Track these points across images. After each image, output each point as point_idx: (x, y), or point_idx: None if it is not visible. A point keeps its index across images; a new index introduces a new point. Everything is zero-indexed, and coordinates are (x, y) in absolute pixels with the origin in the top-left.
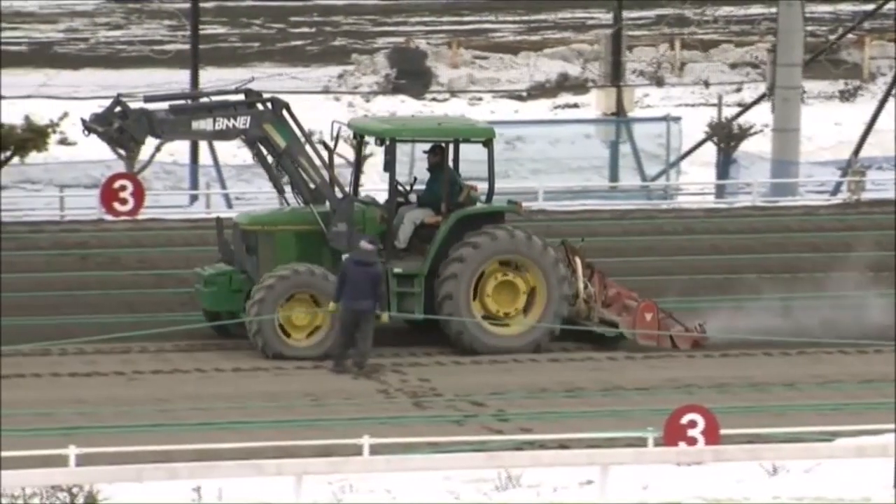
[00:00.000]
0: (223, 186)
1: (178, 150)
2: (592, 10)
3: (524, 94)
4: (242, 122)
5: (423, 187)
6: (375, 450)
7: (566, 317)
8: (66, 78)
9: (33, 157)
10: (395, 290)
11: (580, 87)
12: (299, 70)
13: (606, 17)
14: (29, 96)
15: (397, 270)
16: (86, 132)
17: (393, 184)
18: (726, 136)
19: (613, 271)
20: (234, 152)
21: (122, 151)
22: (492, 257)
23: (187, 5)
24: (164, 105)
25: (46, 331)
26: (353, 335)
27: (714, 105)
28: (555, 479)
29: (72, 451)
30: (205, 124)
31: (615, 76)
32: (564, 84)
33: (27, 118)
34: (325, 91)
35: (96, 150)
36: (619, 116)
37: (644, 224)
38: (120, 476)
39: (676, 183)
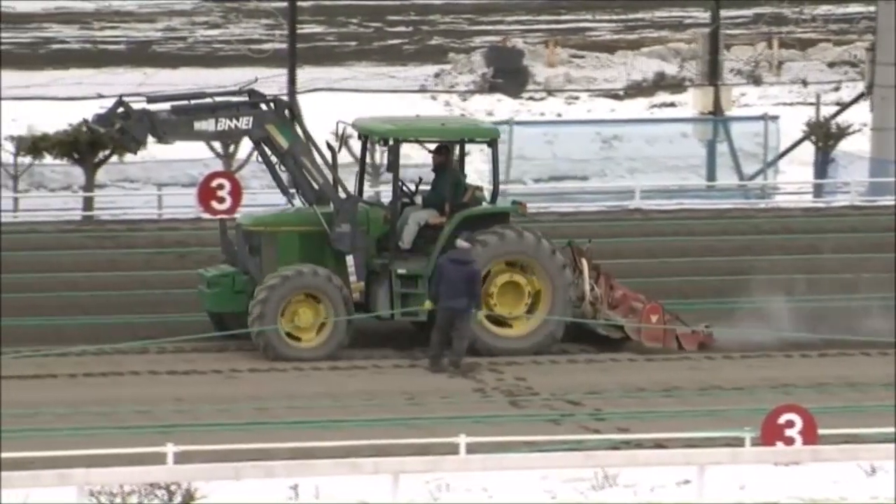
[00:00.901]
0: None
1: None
2: (690, 8)
3: (621, 93)
4: (245, 122)
5: (428, 188)
6: (472, 449)
7: (570, 320)
8: (164, 77)
9: (131, 155)
10: (398, 291)
11: (677, 86)
12: (396, 69)
13: (704, 15)
14: (127, 95)
15: (401, 271)
16: (88, 133)
17: (396, 184)
18: (824, 135)
19: (711, 270)
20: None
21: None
22: (499, 257)
23: (285, 4)
24: (167, 106)
25: (145, 328)
26: (448, 334)
27: (812, 104)
28: (651, 479)
29: (170, 449)
30: (207, 125)
31: (712, 75)
32: (661, 83)
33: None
34: (422, 90)
35: (194, 149)
36: (716, 115)
37: (741, 224)
38: (217, 474)
39: (774, 182)
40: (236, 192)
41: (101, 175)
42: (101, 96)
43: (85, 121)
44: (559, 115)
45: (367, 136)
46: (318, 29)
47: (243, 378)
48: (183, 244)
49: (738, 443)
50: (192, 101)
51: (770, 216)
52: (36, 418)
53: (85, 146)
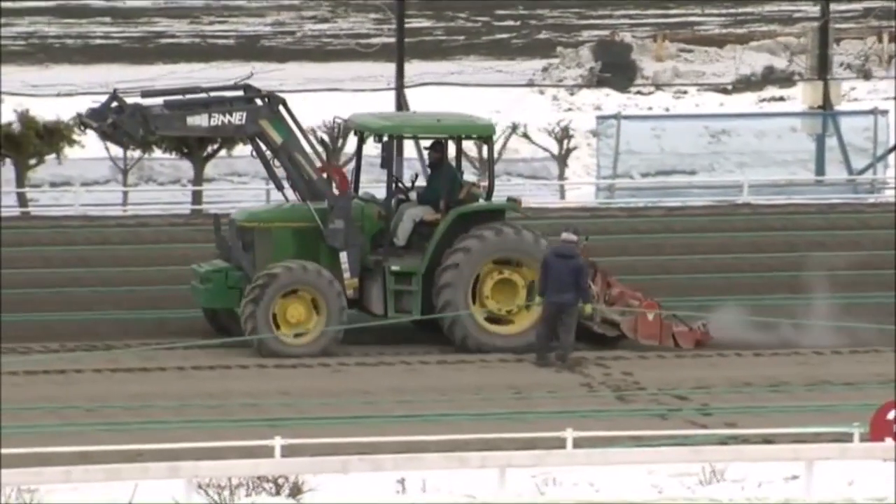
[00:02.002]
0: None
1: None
2: (799, 2)
3: (729, 87)
4: (238, 117)
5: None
6: (578, 443)
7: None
8: (272, 71)
9: (240, 149)
10: (393, 289)
11: (786, 80)
12: (504, 63)
13: (813, 9)
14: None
15: (395, 268)
16: (81, 128)
17: (391, 181)
18: None
19: (820, 265)
20: None
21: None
22: (495, 254)
23: None
24: (161, 100)
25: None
26: (555, 328)
27: None
28: (759, 474)
29: (277, 443)
30: (200, 120)
31: (822, 69)
32: (770, 77)
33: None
34: (530, 84)
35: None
36: (825, 110)
37: (850, 219)
38: (325, 467)
39: (884, 177)
40: (344, 186)
41: (209, 169)
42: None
43: (78, 115)
44: (667, 109)
45: (363, 132)
46: (426, 23)
47: (350, 372)
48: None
49: (847, 438)
50: (186, 96)
51: (879, 211)
52: (145, 411)
53: (194, 140)
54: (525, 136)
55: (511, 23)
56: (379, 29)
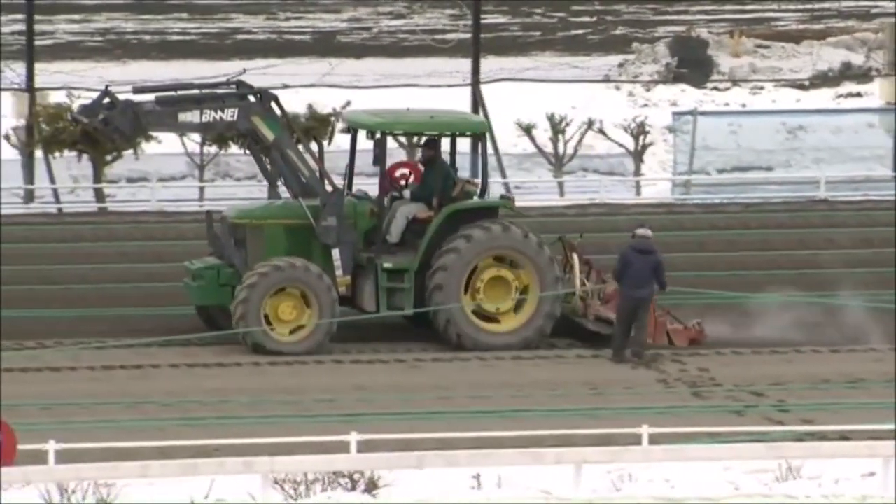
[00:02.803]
0: (503, 175)
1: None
2: None
3: (806, 83)
4: (230, 114)
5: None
6: (654, 439)
7: (561, 314)
8: (348, 67)
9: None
10: (385, 286)
11: (863, 76)
12: (580, 59)
13: (891, 5)
14: (312, 85)
15: (387, 265)
16: (73, 124)
17: (383, 178)
18: None
19: (893, 261)
20: (515, 141)
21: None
22: (486, 251)
23: None
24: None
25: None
26: (630, 325)
27: None
28: (836, 471)
29: (353, 438)
30: (191, 116)
31: None
32: (847, 73)
33: (310, 107)
34: (606, 80)
35: None
36: None
37: None
38: (400, 463)
39: None
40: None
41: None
42: (286, 86)
43: (71, 111)
44: (743, 105)
45: (356, 128)
46: (502, 19)
47: (426, 367)
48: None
49: None
50: (178, 93)
51: None
52: (222, 406)
53: None
54: (601, 132)
55: (587, 18)
56: (455, 25)
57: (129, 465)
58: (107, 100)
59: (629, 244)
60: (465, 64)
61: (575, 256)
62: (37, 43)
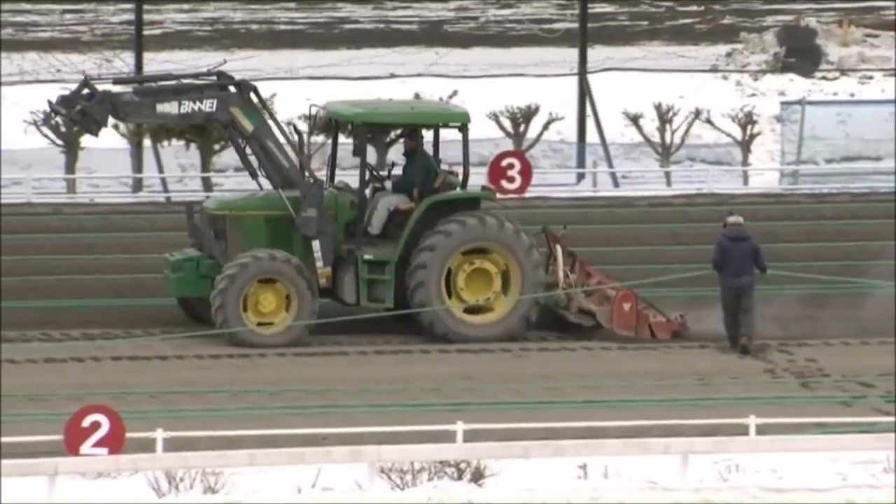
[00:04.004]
0: (610, 165)
1: (565, 128)
2: None
3: None
4: (209, 105)
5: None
6: (761, 430)
7: (544, 304)
8: (455, 57)
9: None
10: (365, 278)
11: None
12: (687, 48)
13: None
14: (419, 75)
15: (368, 257)
16: (52, 115)
17: (363, 169)
18: None
19: None
20: (622, 130)
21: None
22: (462, 245)
23: None
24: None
25: None
26: (737, 313)
27: None
28: None
29: (459, 427)
30: (170, 107)
31: None
32: None
33: (417, 96)
34: (714, 70)
35: (485, 129)
36: None
37: None
38: (506, 453)
39: None
40: (526, 172)
41: (392, 154)
42: (393, 76)
43: (49, 102)
44: (852, 94)
45: (337, 120)
46: (609, 8)
47: (532, 357)
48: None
49: None
50: (157, 83)
51: None
52: (328, 395)
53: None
54: (708, 121)
55: (695, 8)
56: (562, 14)
57: (236, 453)
58: (86, 90)
59: (722, 233)
60: (572, 53)
61: (558, 248)
62: (145, 32)
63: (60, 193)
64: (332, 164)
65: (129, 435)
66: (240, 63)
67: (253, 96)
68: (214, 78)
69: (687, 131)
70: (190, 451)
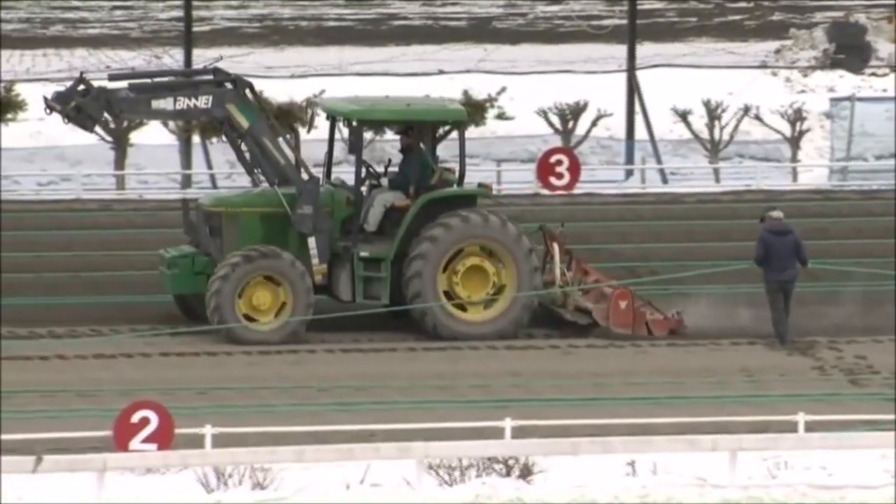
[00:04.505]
0: (658, 161)
1: (614, 125)
2: None
3: None
4: (204, 101)
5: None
6: (810, 427)
7: (539, 305)
8: (504, 53)
9: (471, 131)
10: (361, 275)
11: None
12: (736, 45)
13: None
14: (468, 71)
15: (364, 254)
16: (47, 110)
17: (359, 166)
18: None
19: None
20: (671, 127)
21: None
22: (463, 241)
23: None
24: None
25: None
26: (783, 307)
27: None
28: None
29: (507, 424)
30: (165, 104)
31: None
32: None
33: (465, 92)
34: (763, 66)
35: (533, 126)
36: None
37: None
38: (555, 449)
39: None
40: (575, 168)
41: (440, 150)
42: (441, 72)
43: (44, 98)
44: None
45: (333, 116)
46: (657, 5)
47: (581, 353)
48: (520, 219)
49: None
50: (153, 80)
51: None
52: (376, 391)
53: None
54: (757, 118)
55: (744, 4)
56: (611, 10)
57: (284, 449)
58: (81, 87)
59: (764, 227)
60: (620, 50)
61: (555, 246)
62: (195, 29)
63: (109, 190)
64: (329, 161)
65: (177, 431)
66: (287, 60)
67: (248, 93)
68: (211, 75)
69: (736, 128)
70: (239, 447)
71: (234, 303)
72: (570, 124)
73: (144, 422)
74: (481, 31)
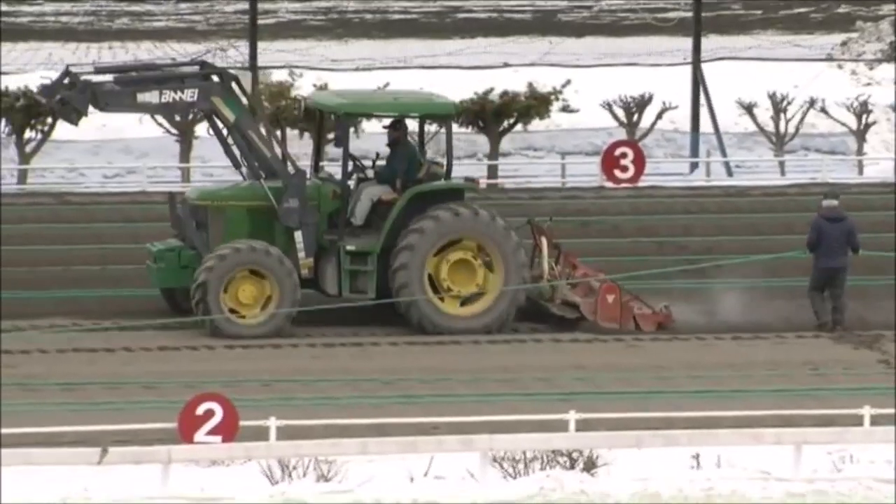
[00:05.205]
0: (723, 154)
1: (679, 118)
2: None
3: None
4: (190, 95)
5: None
6: (876, 420)
7: (524, 300)
8: (569, 46)
9: (536, 124)
10: (348, 268)
11: None
12: (802, 38)
13: None
14: (532, 64)
15: (350, 248)
16: (37, 104)
17: (346, 160)
18: None
19: None
20: (736, 120)
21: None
22: (451, 234)
23: None
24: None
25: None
26: (822, 291)
27: None
28: None
29: (572, 417)
30: (150, 97)
31: None
32: None
33: (530, 85)
34: (829, 59)
35: (598, 118)
36: None
37: None
38: (619, 442)
39: None
40: (640, 161)
41: (505, 143)
42: (506, 65)
43: (32, 92)
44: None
45: (320, 110)
46: None
47: (645, 347)
48: (585, 213)
49: None
50: (139, 73)
51: None
52: (440, 384)
53: (490, 115)
54: (823, 111)
55: None
56: (676, 3)
57: (348, 442)
58: (67, 79)
59: (819, 214)
60: (685, 42)
61: (543, 240)
62: (260, 22)
63: (175, 182)
64: (317, 155)
65: (242, 423)
66: (352, 52)
67: (235, 86)
68: (197, 68)
69: (801, 121)
70: (303, 439)
71: (219, 295)
72: (635, 117)
73: (209, 414)
74: (546, 23)
